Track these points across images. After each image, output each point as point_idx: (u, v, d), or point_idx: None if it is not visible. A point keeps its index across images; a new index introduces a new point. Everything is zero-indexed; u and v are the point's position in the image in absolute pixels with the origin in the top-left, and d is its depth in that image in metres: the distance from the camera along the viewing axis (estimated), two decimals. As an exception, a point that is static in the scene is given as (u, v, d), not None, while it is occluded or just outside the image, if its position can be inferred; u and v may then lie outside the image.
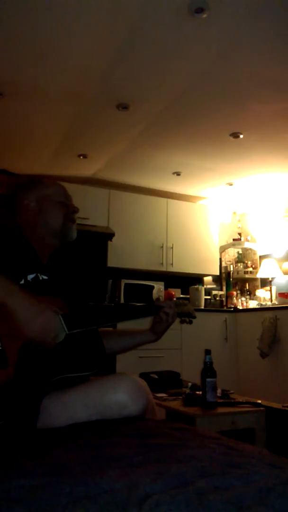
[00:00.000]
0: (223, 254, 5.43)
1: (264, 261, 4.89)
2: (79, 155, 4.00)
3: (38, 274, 1.32)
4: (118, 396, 1.17)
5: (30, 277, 1.30)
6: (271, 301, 4.70)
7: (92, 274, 4.43)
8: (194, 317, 1.59)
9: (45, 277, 1.34)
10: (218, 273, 5.24)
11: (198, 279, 5.20)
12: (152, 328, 1.53)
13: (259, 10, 2.16)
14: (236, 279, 5.31)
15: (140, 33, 2.34)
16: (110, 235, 4.42)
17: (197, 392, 2.37)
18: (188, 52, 2.51)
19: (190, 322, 1.59)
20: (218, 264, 5.24)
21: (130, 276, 4.59)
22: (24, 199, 1.45)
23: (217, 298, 5.03)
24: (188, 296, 4.80)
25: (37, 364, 1.15)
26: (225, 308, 4.93)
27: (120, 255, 4.51)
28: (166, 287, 4.71)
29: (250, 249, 5.29)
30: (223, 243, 5.35)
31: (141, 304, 1.49)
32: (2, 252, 1.29)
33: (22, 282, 1.28)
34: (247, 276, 5.19)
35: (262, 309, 4.44)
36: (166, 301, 1.65)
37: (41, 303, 1.13)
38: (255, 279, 5.18)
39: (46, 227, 1.43)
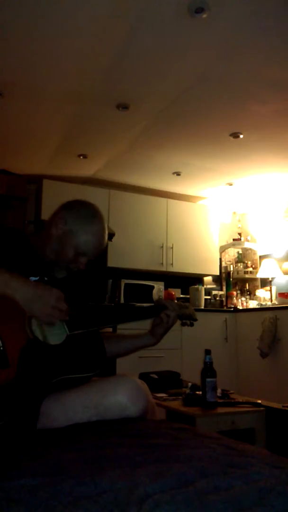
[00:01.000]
0: (223, 254, 5.43)
1: (264, 261, 4.89)
2: (79, 155, 4.00)
3: (42, 277, 1.32)
4: (118, 397, 1.17)
5: (33, 279, 1.30)
6: (271, 301, 4.70)
7: (92, 274, 4.43)
8: (196, 320, 1.58)
9: (45, 278, 1.34)
10: (218, 273, 5.24)
11: (198, 279, 5.20)
12: (151, 331, 1.52)
13: (259, 10, 2.16)
14: (236, 279, 5.31)
15: (140, 33, 2.34)
16: (110, 235, 4.41)
17: (197, 392, 2.37)
18: (188, 52, 2.51)
19: (191, 325, 1.58)
20: (218, 264, 5.23)
21: (130, 276, 4.58)
22: (62, 218, 1.40)
23: (217, 298, 5.03)
24: (188, 296, 4.80)
25: (38, 365, 1.15)
26: (225, 308, 4.93)
27: (120, 255, 4.51)
28: (166, 287, 4.71)
29: (250, 249, 5.29)
30: (223, 243, 5.35)
31: (143, 304, 1.48)
32: (6, 253, 1.29)
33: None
34: (247, 276, 5.19)
35: (262, 309, 4.44)
36: (169, 300, 1.64)
37: (44, 287, 1.17)
38: (255, 279, 5.18)
39: (55, 248, 1.40)
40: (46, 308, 1.13)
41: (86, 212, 1.42)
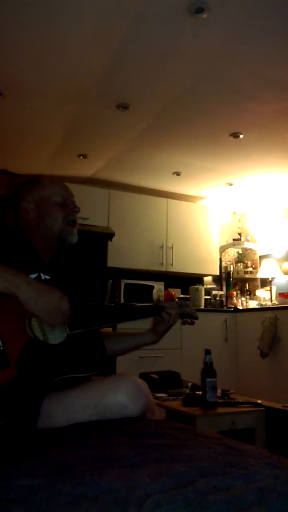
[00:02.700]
0: (223, 254, 5.43)
1: (264, 261, 4.89)
2: (79, 155, 4.00)
3: (41, 274, 1.32)
4: (118, 397, 1.17)
5: (32, 276, 1.30)
6: (271, 301, 4.70)
7: (92, 274, 4.43)
8: (196, 318, 1.59)
9: (47, 277, 1.34)
10: (218, 273, 5.24)
11: (198, 279, 5.20)
12: (153, 329, 1.52)
13: (259, 10, 2.16)
14: (236, 279, 5.31)
15: (140, 33, 2.34)
16: (110, 235, 4.41)
17: (197, 392, 2.37)
18: (188, 52, 2.51)
19: (192, 323, 1.58)
20: (218, 264, 5.24)
21: (130, 276, 4.58)
22: (24, 200, 1.42)
23: (217, 298, 5.03)
24: (188, 296, 4.80)
25: (39, 365, 1.15)
26: (225, 308, 4.93)
27: (120, 255, 4.51)
28: (166, 287, 4.71)
29: (250, 249, 5.29)
30: (223, 243, 5.35)
31: (144, 304, 1.49)
32: (4, 251, 1.29)
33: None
34: (247, 276, 5.19)
35: (262, 309, 4.44)
36: (168, 301, 1.64)
37: (49, 287, 1.16)
38: (255, 279, 5.18)
39: (45, 229, 1.41)
40: (49, 307, 1.13)
41: (28, 182, 1.48)
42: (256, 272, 5.06)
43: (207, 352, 2.24)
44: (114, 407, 1.16)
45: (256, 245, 5.23)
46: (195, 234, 5.04)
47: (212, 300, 5.01)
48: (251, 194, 4.95)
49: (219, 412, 2.20)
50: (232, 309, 4.80)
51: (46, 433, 1.08)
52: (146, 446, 0.91)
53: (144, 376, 2.89)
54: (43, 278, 1.33)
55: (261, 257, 5.12)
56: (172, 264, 4.80)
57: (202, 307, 4.74)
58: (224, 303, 5.02)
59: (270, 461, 0.81)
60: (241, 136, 3.52)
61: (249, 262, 5.27)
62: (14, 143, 3.78)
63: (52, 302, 1.13)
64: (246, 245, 5.24)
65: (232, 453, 0.87)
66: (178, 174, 4.45)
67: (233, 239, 5.34)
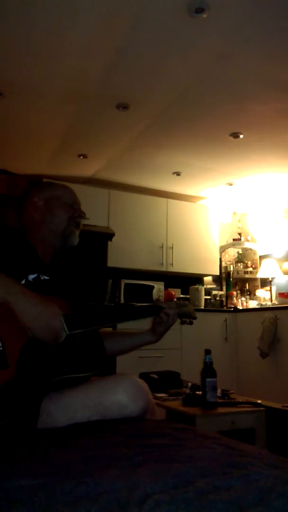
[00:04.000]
0: (223, 254, 5.43)
1: (264, 261, 4.89)
2: (79, 155, 4.00)
3: (40, 274, 1.32)
4: (118, 396, 1.17)
5: (31, 277, 1.30)
6: (271, 301, 4.70)
7: (92, 274, 4.43)
8: (195, 318, 1.59)
9: (46, 277, 1.34)
10: (218, 273, 5.24)
11: (198, 279, 5.20)
12: (152, 329, 1.52)
13: (259, 10, 2.16)
14: (236, 279, 5.31)
15: (140, 33, 2.34)
16: (110, 235, 4.42)
17: (197, 392, 2.37)
18: (188, 52, 2.51)
19: (191, 323, 1.58)
20: (218, 264, 5.24)
21: (130, 276, 4.58)
22: (34, 197, 1.46)
23: (217, 298, 5.03)
24: (188, 296, 4.80)
25: (38, 365, 1.15)
26: (225, 308, 4.93)
27: (120, 255, 4.51)
28: (166, 287, 4.71)
29: (250, 249, 5.29)
30: (223, 243, 5.35)
31: (142, 304, 1.49)
32: (3, 251, 1.29)
33: (23, 282, 1.28)
34: (247, 276, 5.19)
35: (262, 309, 4.44)
36: (167, 301, 1.65)
37: (44, 302, 1.14)
38: (255, 279, 5.18)
39: (50, 226, 1.43)
40: (40, 322, 1.11)
41: (42, 183, 1.59)
42: (256, 272, 5.06)
43: (207, 352, 2.24)
44: (114, 407, 1.16)
45: (256, 245, 5.23)
46: (195, 234, 5.04)
47: (212, 300, 5.01)
48: (251, 194, 4.95)
49: (219, 412, 2.20)
50: (232, 309, 4.80)
51: (46, 433, 1.08)
52: (146, 446, 0.91)
53: (144, 376, 2.89)
54: (42, 278, 1.33)
55: (261, 257, 5.12)
56: (172, 264, 4.80)
57: (202, 307, 4.74)
58: (224, 303, 5.02)
59: (270, 461, 0.81)
60: (241, 136, 3.52)
61: (249, 262, 5.27)
62: (14, 143, 3.78)
63: (44, 317, 1.12)
64: (246, 245, 5.24)
65: (232, 453, 0.87)
66: (178, 174, 4.45)
67: (233, 239, 5.34)
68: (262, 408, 2.32)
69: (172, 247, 4.82)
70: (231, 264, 5.38)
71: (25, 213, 1.47)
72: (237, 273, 5.25)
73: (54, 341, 1.14)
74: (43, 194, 1.46)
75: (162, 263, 4.77)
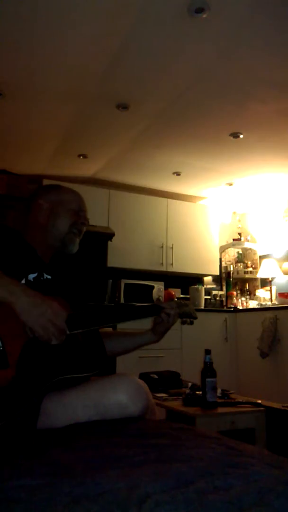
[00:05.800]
0: (223, 254, 5.43)
1: (264, 261, 4.89)
2: (79, 155, 4.00)
3: (40, 274, 1.32)
4: (118, 396, 1.17)
5: (31, 276, 1.30)
6: (271, 301, 4.70)
7: (92, 274, 4.43)
8: (195, 318, 1.59)
9: (48, 277, 1.35)
10: (218, 273, 5.24)
11: (198, 279, 5.20)
12: (153, 329, 1.53)
13: (259, 10, 2.16)
14: (236, 279, 5.31)
15: (140, 33, 2.34)
16: (110, 235, 4.42)
17: (197, 392, 2.37)
18: (188, 52, 2.51)
19: (191, 323, 1.58)
20: (218, 264, 5.24)
21: (130, 276, 4.58)
22: (40, 199, 1.46)
23: (217, 298, 5.03)
24: (188, 296, 4.80)
25: (38, 365, 1.15)
26: (225, 308, 4.93)
27: (120, 255, 4.51)
28: (166, 287, 4.71)
29: (250, 249, 5.29)
30: (223, 243, 5.35)
31: (143, 304, 1.49)
32: (2, 251, 1.29)
33: (23, 281, 1.28)
34: (247, 276, 5.19)
35: (262, 309, 4.44)
36: (167, 301, 1.65)
37: (45, 301, 1.13)
38: (255, 279, 5.18)
39: (51, 230, 1.42)
40: (42, 320, 1.11)
41: (50, 186, 1.56)
42: (256, 272, 5.06)
43: (207, 352, 2.24)
44: (114, 407, 1.16)
45: (256, 245, 5.23)
46: (195, 234, 5.04)
47: (212, 300, 5.01)
48: (251, 194, 4.95)
49: (219, 412, 2.20)
50: (232, 309, 4.80)
51: (46, 433, 1.08)
52: (146, 446, 0.91)
53: (144, 376, 2.89)
54: (42, 278, 1.33)
55: (261, 257, 5.12)
56: (172, 264, 4.80)
57: (202, 307, 4.74)
58: (224, 303, 5.02)
59: (270, 461, 0.81)
60: (241, 136, 3.52)
61: (249, 262, 5.27)
62: (14, 143, 3.78)
63: (47, 315, 1.11)
64: (246, 245, 5.24)
65: (232, 453, 0.87)
66: (178, 174, 4.45)
67: (233, 239, 5.34)
68: (262, 408, 2.32)
69: (172, 247, 4.82)
70: (231, 264, 5.38)
71: (31, 213, 1.47)
72: (237, 273, 5.25)
73: (55, 341, 1.14)
74: (49, 198, 1.47)
75: (162, 263, 4.77)
